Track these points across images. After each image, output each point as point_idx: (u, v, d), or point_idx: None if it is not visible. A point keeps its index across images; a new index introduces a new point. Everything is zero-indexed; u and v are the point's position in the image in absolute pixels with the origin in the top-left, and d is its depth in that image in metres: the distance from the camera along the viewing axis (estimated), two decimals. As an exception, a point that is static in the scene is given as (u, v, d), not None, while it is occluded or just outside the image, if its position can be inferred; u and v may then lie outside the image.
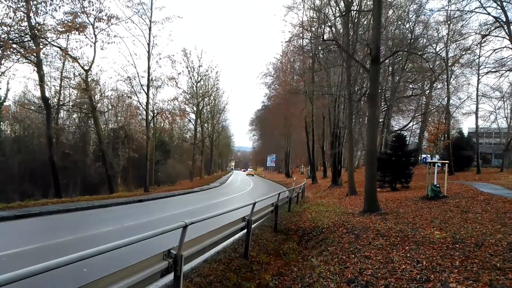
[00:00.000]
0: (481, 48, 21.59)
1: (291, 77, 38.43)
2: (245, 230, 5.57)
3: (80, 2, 17.03)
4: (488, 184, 14.10)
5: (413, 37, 22.31)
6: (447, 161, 12.88)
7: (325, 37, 20.24)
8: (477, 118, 24.55)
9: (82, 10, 17.32)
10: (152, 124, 26.14)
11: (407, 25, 23.10)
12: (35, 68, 17.29)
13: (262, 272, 5.06)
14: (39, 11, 15.33)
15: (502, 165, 25.83)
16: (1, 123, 26.48)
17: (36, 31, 15.52)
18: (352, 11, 16.29)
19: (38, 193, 23.12)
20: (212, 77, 41.37)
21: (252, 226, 5.92)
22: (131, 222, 8.95)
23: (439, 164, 14.73)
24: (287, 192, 11.87)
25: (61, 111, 29.15)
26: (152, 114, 25.34)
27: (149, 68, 22.25)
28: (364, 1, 19.16)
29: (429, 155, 30.79)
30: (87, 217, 10.10)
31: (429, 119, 27.78)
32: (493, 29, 17.12)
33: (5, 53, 14.83)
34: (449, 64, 23.38)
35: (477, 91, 23.80)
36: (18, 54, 15.43)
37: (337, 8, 20.17)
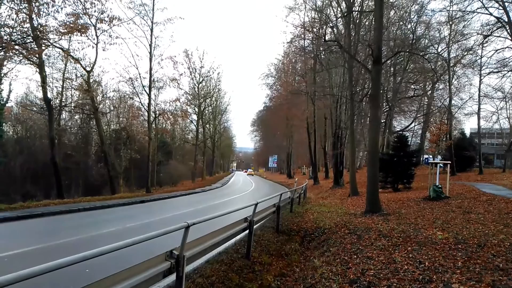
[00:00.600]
0: (483, 48, 21.63)
1: (292, 78, 38.46)
2: (247, 231, 5.56)
3: (82, 3, 17.10)
4: (490, 184, 14.04)
5: (415, 37, 22.22)
6: (449, 162, 12.82)
7: (326, 38, 20.26)
8: (479, 118, 24.56)
9: (84, 11, 17.36)
10: (154, 125, 26.16)
11: (409, 26, 23.03)
12: (37, 69, 17.40)
13: (264, 272, 5.06)
14: (41, 13, 15.39)
15: (504, 166, 25.76)
16: (4, 124, 26.52)
17: (38, 33, 15.57)
18: (353, 12, 16.26)
19: (40, 194, 23.17)
20: (214, 78, 41.58)
21: (254, 227, 5.92)
22: (133, 223, 8.97)
23: (441, 165, 14.70)
24: (289, 193, 11.85)
25: (63, 112, 29.27)
26: (154, 115, 25.40)
27: (151, 69, 22.29)
28: (366, 2, 19.11)
29: (431, 156, 30.76)
30: (89, 218, 10.14)
31: (431, 119, 27.71)
32: (495, 30, 17.10)
33: (7, 54, 14.88)
34: (451, 64, 23.35)
35: (479, 92, 23.80)
36: (21, 55, 15.48)
37: (339, 9, 20.19)
